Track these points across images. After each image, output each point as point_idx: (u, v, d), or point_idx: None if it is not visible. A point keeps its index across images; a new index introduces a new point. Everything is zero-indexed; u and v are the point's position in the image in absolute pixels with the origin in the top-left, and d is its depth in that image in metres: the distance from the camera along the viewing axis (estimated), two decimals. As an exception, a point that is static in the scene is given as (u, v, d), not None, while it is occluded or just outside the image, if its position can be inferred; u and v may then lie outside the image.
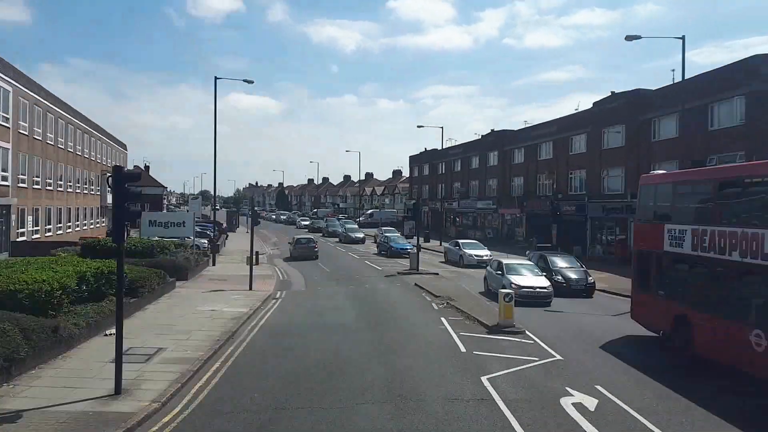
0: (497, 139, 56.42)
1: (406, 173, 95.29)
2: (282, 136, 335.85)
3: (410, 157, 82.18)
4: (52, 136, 38.90)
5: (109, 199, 46.32)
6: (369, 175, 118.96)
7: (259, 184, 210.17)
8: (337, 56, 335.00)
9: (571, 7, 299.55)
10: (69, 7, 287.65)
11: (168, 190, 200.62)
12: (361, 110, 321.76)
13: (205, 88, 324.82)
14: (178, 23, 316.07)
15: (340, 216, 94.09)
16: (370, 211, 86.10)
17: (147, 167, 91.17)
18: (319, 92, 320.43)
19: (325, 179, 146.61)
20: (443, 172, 70.37)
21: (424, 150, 76.78)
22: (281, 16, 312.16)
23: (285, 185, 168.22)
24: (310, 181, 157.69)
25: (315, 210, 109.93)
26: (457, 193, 63.33)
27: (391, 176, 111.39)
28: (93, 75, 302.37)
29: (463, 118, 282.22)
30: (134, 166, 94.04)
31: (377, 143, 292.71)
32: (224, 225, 56.80)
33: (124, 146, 68.30)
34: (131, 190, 10.34)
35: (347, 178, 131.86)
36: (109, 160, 56.83)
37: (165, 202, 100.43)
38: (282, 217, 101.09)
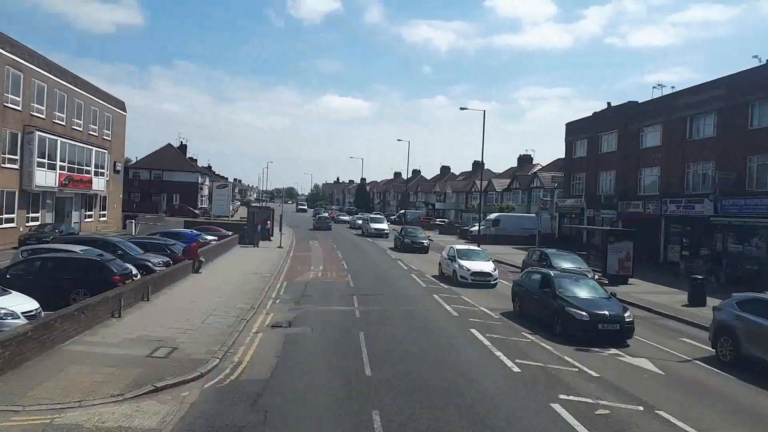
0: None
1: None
2: (371, 137, 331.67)
3: (568, 125, 48.93)
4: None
5: (43, 179, 33.91)
6: (477, 165, 79.87)
7: (340, 180, 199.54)
8: (430, 57, 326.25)
9: (684, 3, 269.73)
10: (177, 10, 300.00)
11: (238, 182, 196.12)
12: (452, 112, 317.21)
13: (300, 90, 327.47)
14: (277, 24, 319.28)
15: (438, 220, 75.77)
16: (494, 216, 55.57)
17: (183, 146, 79.13)
18: (410, 94, 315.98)
19: (416, 172, 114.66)
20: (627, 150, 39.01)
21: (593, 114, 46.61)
22: (377, 17, 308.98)
23: (368, 181, 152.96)
24: (397, 174, 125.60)
25: (402, 211, 76.38)
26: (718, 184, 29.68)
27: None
28: (196, 76, 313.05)
29: (559, 121, 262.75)
30: (167, 144, 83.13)
31: (464, 145, 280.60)
32: (230, 235, 37.28)
33: (121, 106, 49.25)
34: None
35: (446, 170, 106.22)
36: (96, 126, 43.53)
37: (206, 192, 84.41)
38: (358, 221, 65.65)
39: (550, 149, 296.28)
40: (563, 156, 50.53)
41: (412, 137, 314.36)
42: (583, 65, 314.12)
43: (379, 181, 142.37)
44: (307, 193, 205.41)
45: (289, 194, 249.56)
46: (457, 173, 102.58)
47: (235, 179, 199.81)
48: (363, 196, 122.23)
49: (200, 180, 77.05)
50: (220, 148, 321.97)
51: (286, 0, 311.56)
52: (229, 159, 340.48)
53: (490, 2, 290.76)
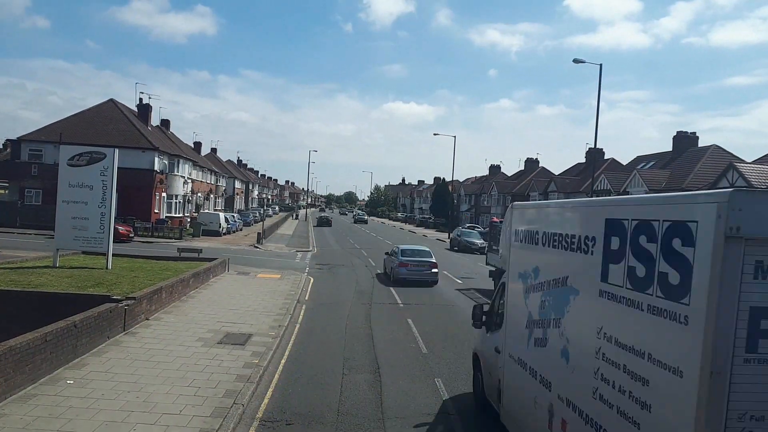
0: None
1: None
2: (435, 143, 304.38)
3: None
4: None
5: None
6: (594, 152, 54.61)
7: (407, 182, 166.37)
8: (497, 60, 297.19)
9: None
10: (251, 18, 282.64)
11: (290, 184, 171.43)
12: (519, 115, 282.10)
13: (361, 97, 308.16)
14: (346, 29, 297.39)
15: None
16: None
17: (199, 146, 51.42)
18: (475, 98, 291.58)
19: (533, 161, 76.43)
20: None
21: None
22: (447, 22, 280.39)
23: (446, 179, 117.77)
24: (495, 168, 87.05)
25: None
26: None
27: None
28: (262, 85, 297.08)
29: (631, 124, 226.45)
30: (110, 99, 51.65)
31: (529, 150, 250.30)
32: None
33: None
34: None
35: (533, 164, 74.99)
36: None
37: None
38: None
39: (620, 152, 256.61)
40: None
41: (474, 140, 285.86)
42: (657, 66, 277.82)
43: (462, 180, 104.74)
44: (366, 197, 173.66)
45: (348, 199, 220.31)
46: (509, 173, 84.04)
47: (287, 181, 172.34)
48: (443, 198, 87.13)
49: (162, 167, 45.11)
50: (283, 155, 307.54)
51: (357, 4, 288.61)
52: (295, 166, 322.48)
53: (567, 1, 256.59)
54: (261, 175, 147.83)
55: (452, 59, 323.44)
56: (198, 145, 71.20)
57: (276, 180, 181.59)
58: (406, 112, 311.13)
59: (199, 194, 56.00)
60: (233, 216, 52.01)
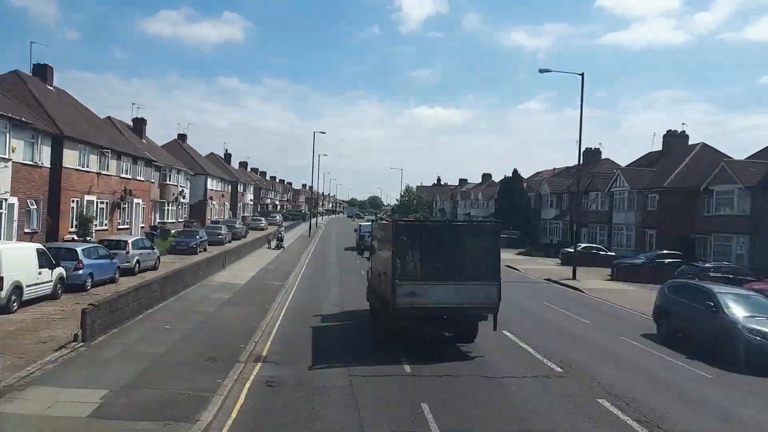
0: None
1: None
2: (462, 147, 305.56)
3: None
4: None
5: None
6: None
7: (443, 182, 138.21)
8: (524, 62, 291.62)
9: None
10: (280, 25, 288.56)
11: (307, 188, 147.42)
12: (546, 116, 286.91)
13: (388, 102, 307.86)
14: (376, 31, 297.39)
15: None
16: None
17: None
18: (503, 101, 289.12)
19: (594, 151, 57.20)
20: None
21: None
22: (476, 24, 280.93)
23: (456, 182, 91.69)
24: (592, 153, 57.16)
25: None
26: None
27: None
28: (285, 93, 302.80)
29: (660, 126, 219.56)
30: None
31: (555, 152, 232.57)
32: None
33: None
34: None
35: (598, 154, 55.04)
36: None
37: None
38: None
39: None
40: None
41: (504, 144, 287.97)
42: (689, 64, 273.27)
43: (526, 176, 73.47)
44: (396, 201, 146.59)
45: (373, 204, 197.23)
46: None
47: (303, 185, 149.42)
48: (510, 195, 58.70)
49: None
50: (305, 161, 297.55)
51: (387, 5, 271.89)
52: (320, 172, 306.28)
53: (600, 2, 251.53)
54: (271, 177, 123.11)
55: (480, 61, 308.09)
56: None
57: (290, 183, 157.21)
58: (433, 115, 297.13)
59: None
60: (141, 240, 25.95)
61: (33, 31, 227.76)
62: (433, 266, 12.60)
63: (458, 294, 12.46)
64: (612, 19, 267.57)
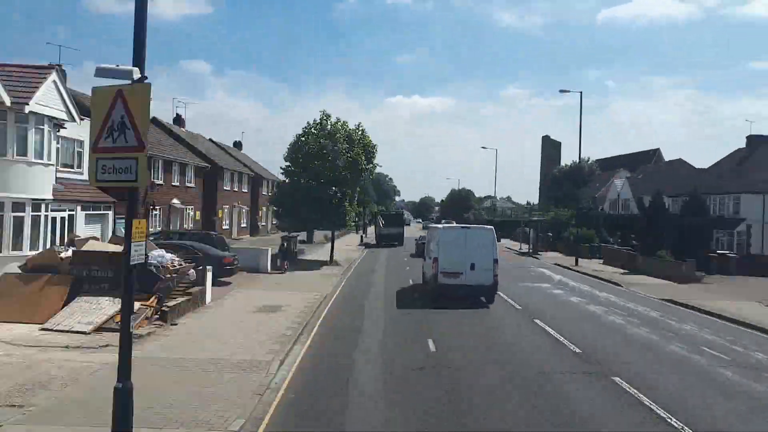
0: None
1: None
2: (453, 137, 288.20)
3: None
4: None
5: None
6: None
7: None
8: (504, 40, 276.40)
9: None
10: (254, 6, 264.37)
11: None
12: (537, 101, 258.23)
13: (383, 91, 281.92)
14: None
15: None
16: None
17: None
18: (487, 87, 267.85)
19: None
20: None
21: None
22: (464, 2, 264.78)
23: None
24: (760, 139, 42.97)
25: None
26: None
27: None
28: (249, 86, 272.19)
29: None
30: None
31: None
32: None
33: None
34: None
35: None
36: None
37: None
38: None
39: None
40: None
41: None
42: (687, 44, 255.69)
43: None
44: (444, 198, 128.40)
45: (424, 205, 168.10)
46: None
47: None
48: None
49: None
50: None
51: None
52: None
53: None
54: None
55: (465, 45, 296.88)
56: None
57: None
58: (424, 104, 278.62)
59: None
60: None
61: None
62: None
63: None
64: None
